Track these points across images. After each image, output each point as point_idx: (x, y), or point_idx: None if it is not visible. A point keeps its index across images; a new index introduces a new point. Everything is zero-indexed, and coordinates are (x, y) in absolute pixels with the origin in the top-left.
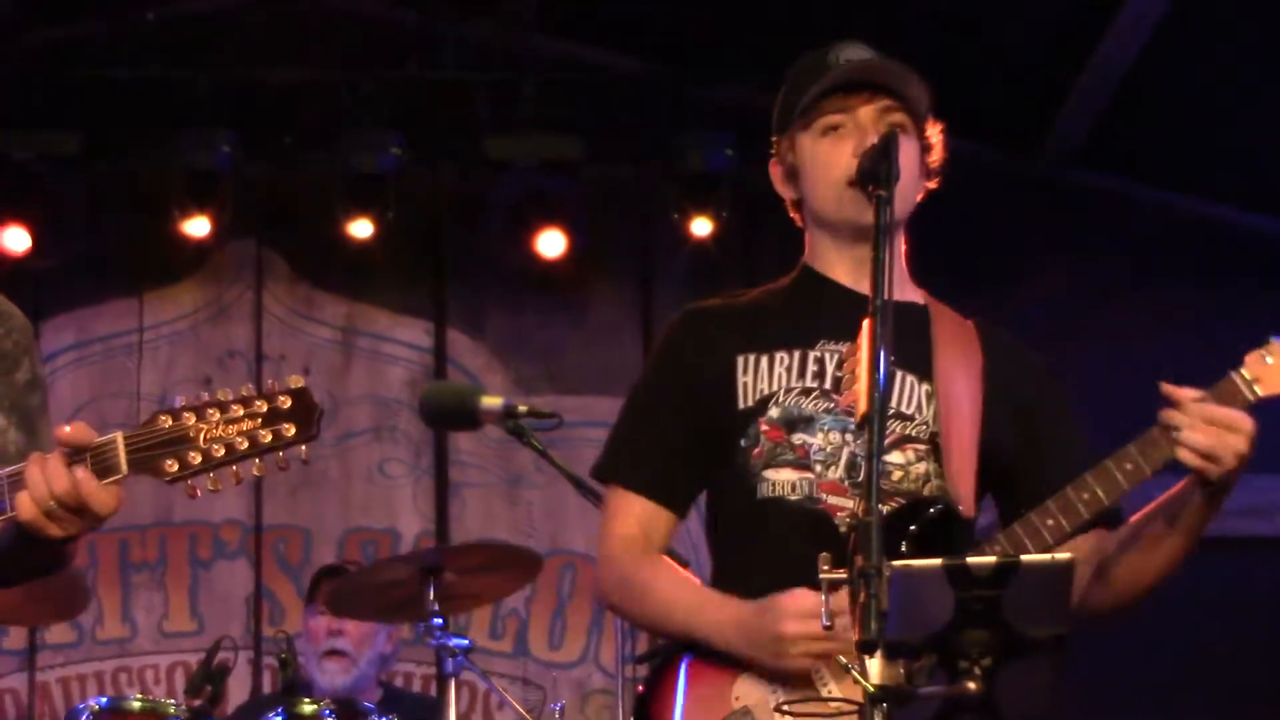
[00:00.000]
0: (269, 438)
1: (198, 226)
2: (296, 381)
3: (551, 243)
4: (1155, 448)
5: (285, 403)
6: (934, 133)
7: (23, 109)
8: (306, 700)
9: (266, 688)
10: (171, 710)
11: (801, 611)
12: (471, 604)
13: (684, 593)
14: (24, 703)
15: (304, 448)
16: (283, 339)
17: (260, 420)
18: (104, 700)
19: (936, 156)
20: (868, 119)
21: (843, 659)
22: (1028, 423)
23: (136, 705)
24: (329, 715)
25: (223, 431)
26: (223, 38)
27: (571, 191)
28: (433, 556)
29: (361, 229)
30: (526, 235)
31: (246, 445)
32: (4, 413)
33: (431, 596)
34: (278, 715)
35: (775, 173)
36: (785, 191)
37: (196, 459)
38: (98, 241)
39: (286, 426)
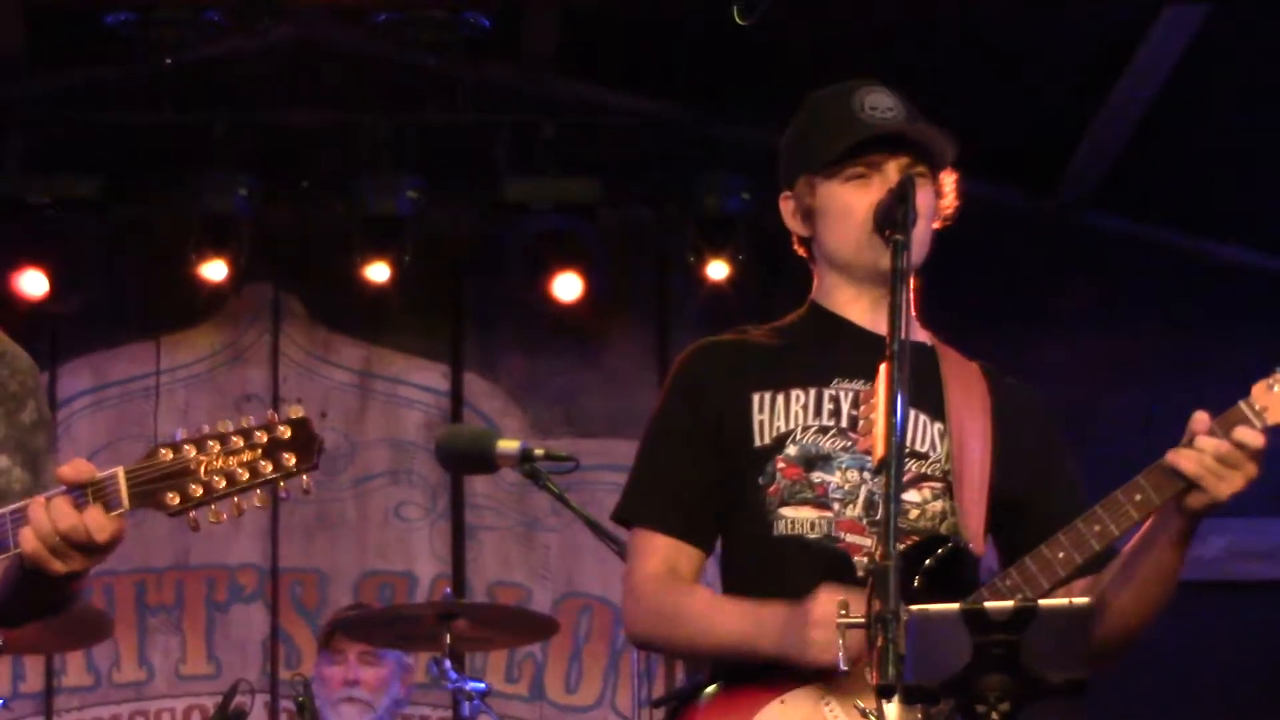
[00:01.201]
0: (270, 468)
1: (215, 270)
2: (296, 412)
3: (568, 286)
4: (1164, 478)
5: (285, 433)
6: (948, 180)
7: (40, 153)
8: None
9: None
10: None
11: (833, 598)
12: (485, 648)
13: (717, 604)
14: None
15: (305, 478)
16: (300, 382)
17: (261, 451)
18: None
19: (949, 203)
20: (893, 173)
21: (860, 703)
22: (1032, 464)
23: None
24: None
25: (223, 463)
26: (240, 82)
27: (589, 234)
28: (450, 606)
29: (379, 272)
30: (544, 278)
31: (248, 476)
32: (9, 453)
33: (448, 640)
34: None
35: (787, 208)
36: (797, 228)
37: (198, 491)
38: (115, 285)
39: (287, 456)
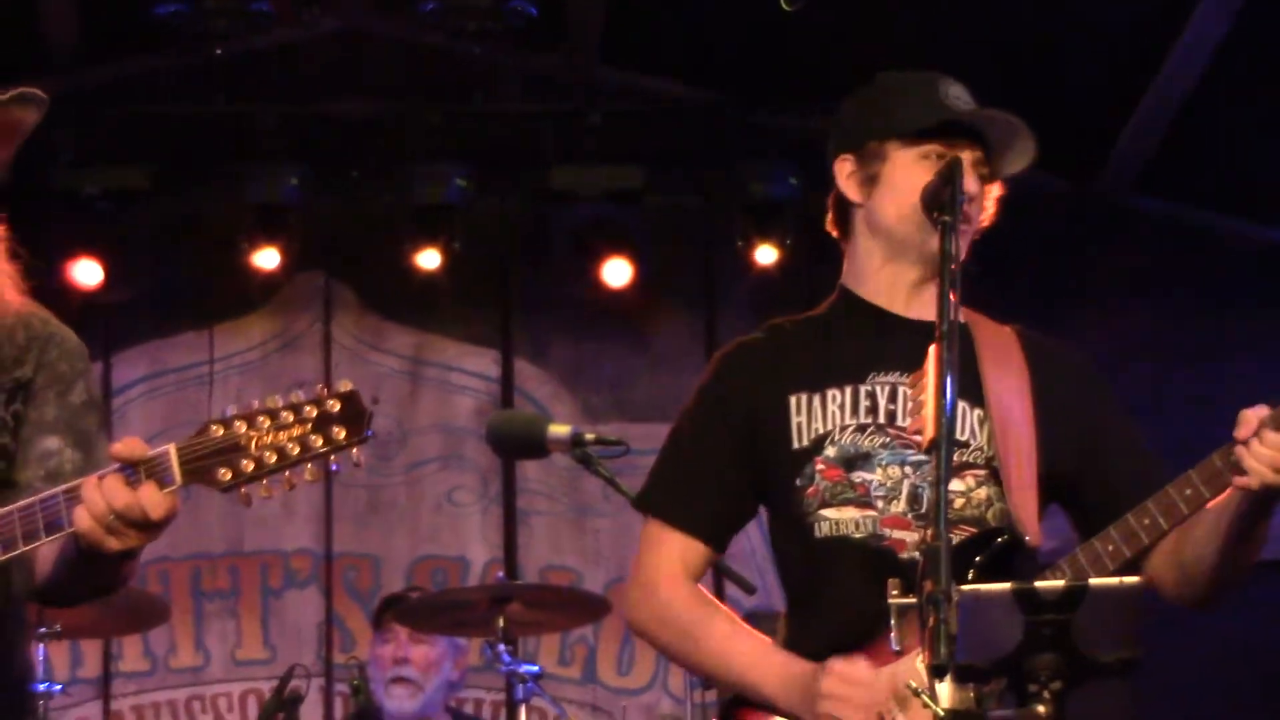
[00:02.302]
0: (320, 442)
1: (267, 259)
2: (345, 385)
3: (617, 272)
4: (1215, 473)
5: (335, 407)
6: (994, 190)
7: (92, 145)
8: None
9: (338, 715)
10: None
11: (846, 676)
12: (538, 631)
13: (733, 638)
14: None
15: (356, 450)
16: (351, 369)
17: (311, 425)
18: None
19: (989, 215)
20: (967, 163)
21: (912, 683)
22: (1083, 432)
23: None
24: None
25: (274, 438)
26: (289, 72)
27: (636, 221)
28: (503, 590)
29: (429, 260)
30: (592, 265)
31: (298, 450)
32: (60, 434)
33: (502, 624)
34: None
35: (844, 169)
36: (851, 191)
37: (249, 466)
38: (168, 275)
39: (337, 430)
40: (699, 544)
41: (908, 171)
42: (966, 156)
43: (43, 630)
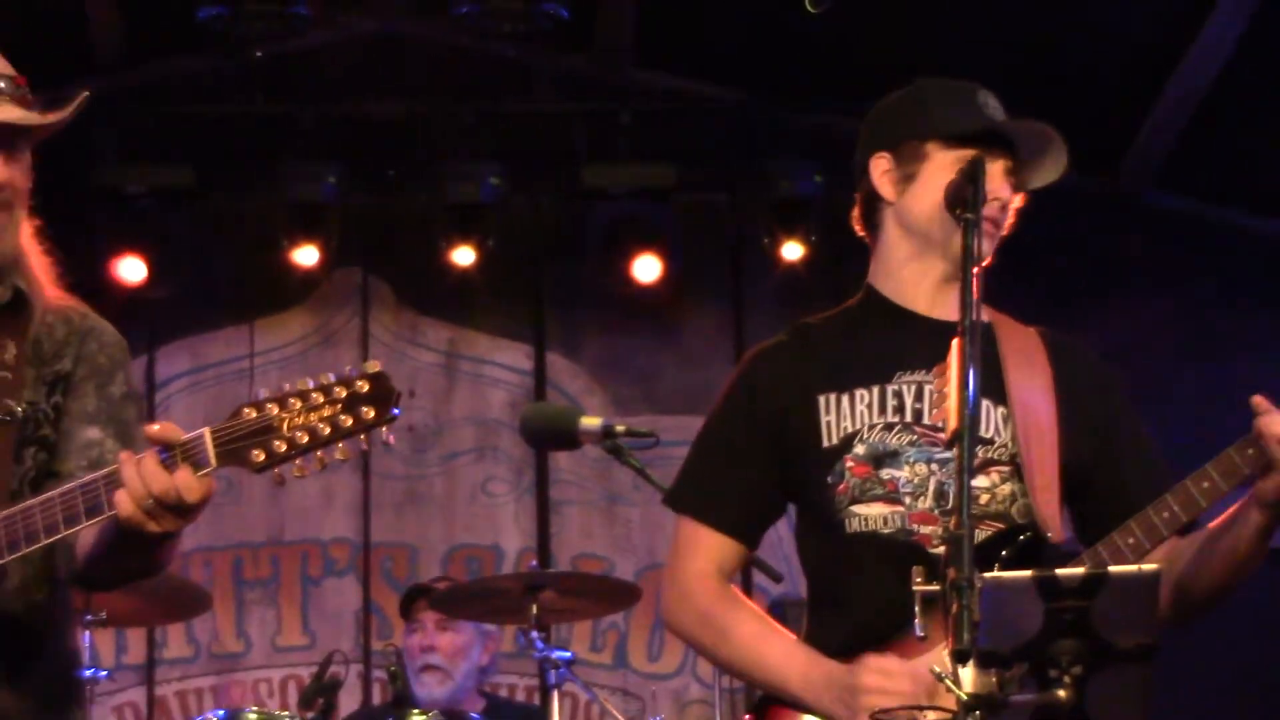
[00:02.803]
0: (350, 422)
1: (306, 256)
2: (373, 366)
3: (647, 267)
4: (1232, 466)
5: (364, 387)
6: (1016, 200)
7: (136, 145)
8: (416, 711)
9: (376, 699)
10: None
11: (883, 668)
12: (570, 618)
13: (764, 637)
14: (143, 715)
15: (385, 429)
16: (388, 363)
17: (340, 406)
18: (221, 713)
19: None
20: (997, 170)
21: (936, 668)
22: (1100, 433)
23: (253, 718)
24: None
25: (305, 419)
26: (327, 74)
27: (665, 218)
28: (536, 578)
29: (463, 256)
30: (622, 261)
31: (329, 430)
32: (100, 424)
33: (535, 611)
34: None
35: (879, 166)
36: (885, 189)
37: (282, 447)
38: (210, 271)
39: (366, 410)
40: (731, 541)
41: (947, 172)
42: (999, 165)
43: (89, 618)
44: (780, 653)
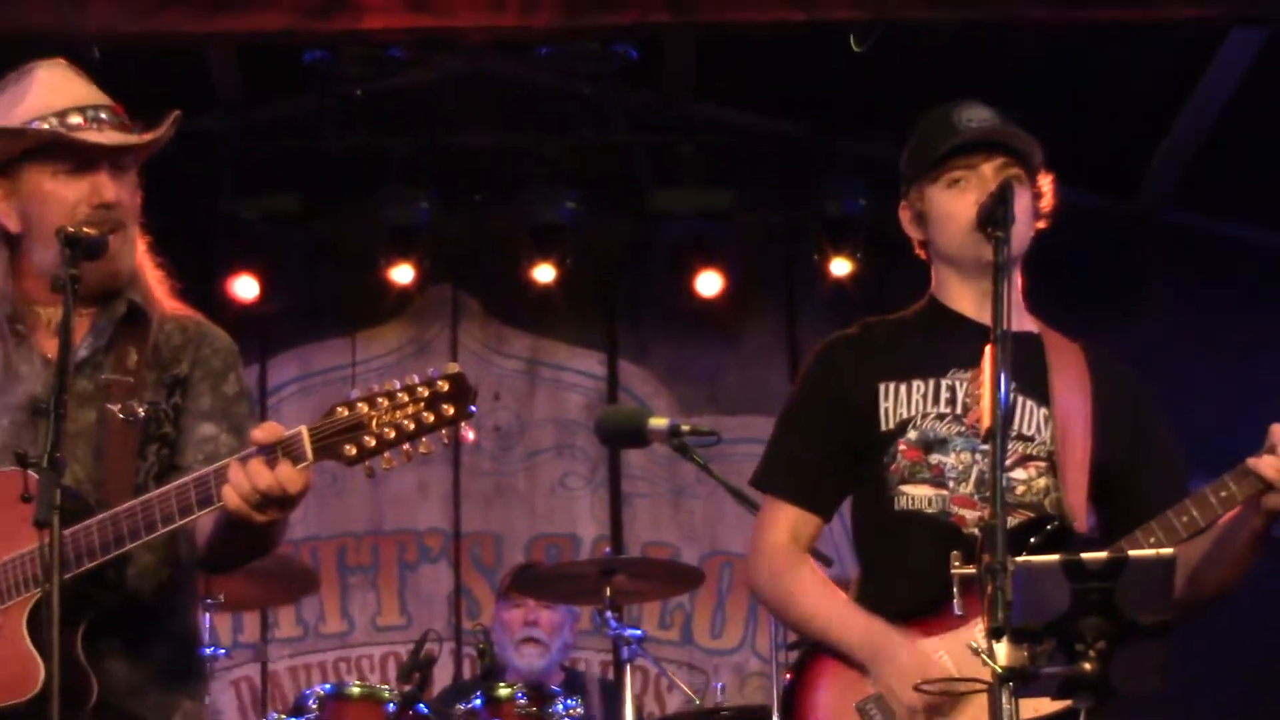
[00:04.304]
0: (432, 419)
1: (402, 274)
2: (452, 368)
3: (709, 282)
4: (1246, 480)
5: (444, 387)
6: (1045, 182)
7: (250, 176)
8: (502, 684)
9: (466, 674)
10: (386, 695)
11: (926, 662)
12: (641, 599)
13: (827, 603)
14: (258, 688)
15: (466, 425)
16: (476, 370)
17: (423, 404)
18: (328, 687)
19: (1047, 203)
20: (989, 173)
21: (973, 643)
22: (1130, 441)
23: (356, 691)
24: (522, 698)
25: (392, 417)
26: (420, 109)
27: (726, 237)
28: (610, 563)
29: (544, 274)
30: (687, 276)
31: (413, 427)
32: (215, 421)
33: (609, 593)
34: (478, 697)
35: (905, 216)
36: (914, 233)
37: (372, 443)
38: (316, 289)
39: (447, 408)
40: (809, 514)
41: (941, 201)
42: (988, 167)
43: (208, 601)
44: (840, 614)
